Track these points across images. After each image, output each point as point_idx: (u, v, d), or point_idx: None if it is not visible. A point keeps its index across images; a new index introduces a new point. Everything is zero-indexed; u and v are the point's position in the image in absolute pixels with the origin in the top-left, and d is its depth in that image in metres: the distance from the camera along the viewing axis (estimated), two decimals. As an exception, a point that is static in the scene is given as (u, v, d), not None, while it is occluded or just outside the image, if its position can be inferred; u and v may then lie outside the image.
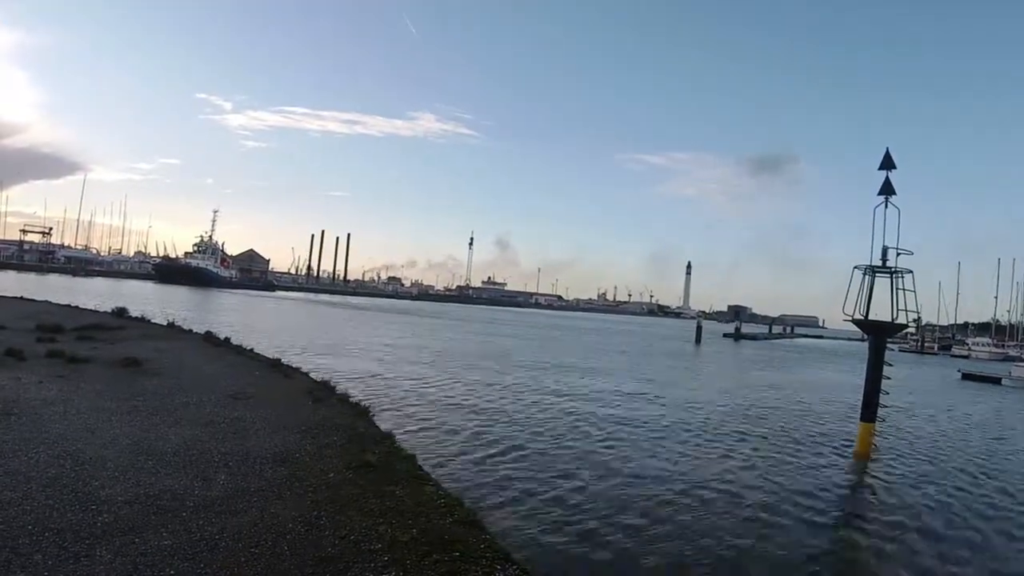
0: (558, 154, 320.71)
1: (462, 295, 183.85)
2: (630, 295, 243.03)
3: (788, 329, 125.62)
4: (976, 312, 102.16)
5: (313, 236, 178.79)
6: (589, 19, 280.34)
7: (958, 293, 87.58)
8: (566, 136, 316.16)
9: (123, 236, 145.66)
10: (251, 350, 17.64)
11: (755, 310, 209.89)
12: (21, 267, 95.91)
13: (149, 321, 22.70)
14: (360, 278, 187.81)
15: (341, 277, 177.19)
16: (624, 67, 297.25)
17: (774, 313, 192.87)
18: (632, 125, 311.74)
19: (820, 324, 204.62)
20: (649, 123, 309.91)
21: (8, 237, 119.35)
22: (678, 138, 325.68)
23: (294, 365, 15.43)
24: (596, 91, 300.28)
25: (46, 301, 29.16)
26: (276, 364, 15.10)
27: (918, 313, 14.02)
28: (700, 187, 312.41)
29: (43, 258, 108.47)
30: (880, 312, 13.39)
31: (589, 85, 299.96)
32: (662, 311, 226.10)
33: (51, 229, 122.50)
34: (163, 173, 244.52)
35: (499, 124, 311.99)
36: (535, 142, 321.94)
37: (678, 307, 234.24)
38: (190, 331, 20.65)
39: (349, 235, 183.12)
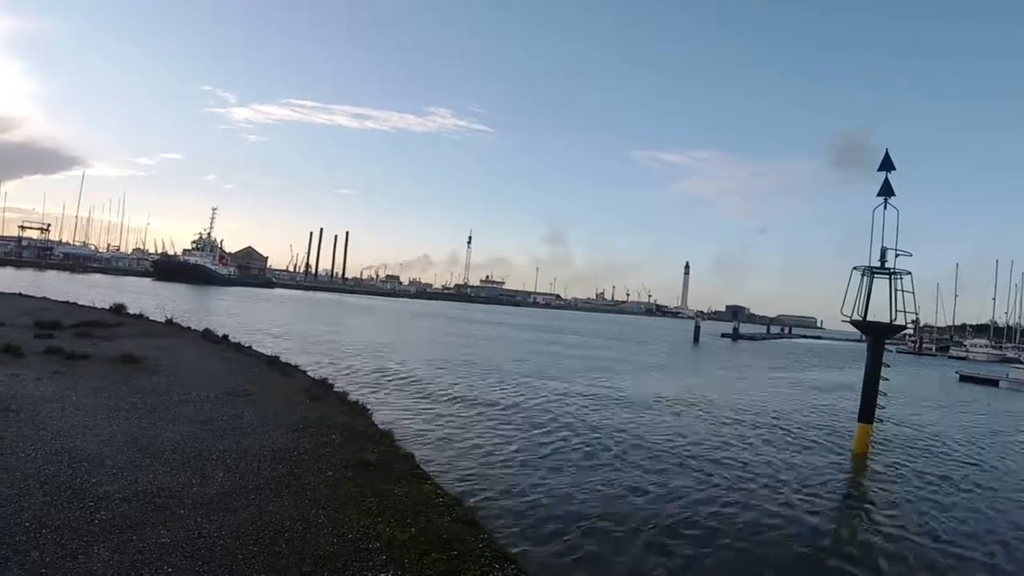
0: (575, 151, 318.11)
1: (460, 294, 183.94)
2: (628, 295, 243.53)
3: (786, 329, 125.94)
4: (974, 314, 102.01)
5: (312, 234, 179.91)
6: (600, 18, 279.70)
7: (956, 295, 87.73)
8: (580, 134, 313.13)
9: (121, 232, 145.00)
10: (249, 347, 17.63)
11: (753, 310, 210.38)
12: (19, 263, 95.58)
13: (147, 318, 22.65)
14: (359, 276, 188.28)
15: (339, 275, 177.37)
16: (640, 66, 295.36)
17: (772, 313, 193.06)
18: (645, 125, 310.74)
19: (818, 325, 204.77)
20: (656, 122, 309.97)
21: (6, 233, 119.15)
22: (681, 137, 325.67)
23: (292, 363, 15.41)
24: (610, 90, 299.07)
25: (44, 297, 29.11)
26: (274, 361, 15.09)
27: (916, 314, 13.99)
28: (713, 187, 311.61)
29: (41, 254, 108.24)
30: (877, 313, 13.41)
31: (602, 84, 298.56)
32: (660, 311, 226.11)
33: (49, 225, 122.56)
34: (164, 169, 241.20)
35: (516, 120, 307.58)
36: (551, 139, 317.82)
37: (676, 307, 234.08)
38: (188, 328, 20.65)
39: (348, 233, 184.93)
